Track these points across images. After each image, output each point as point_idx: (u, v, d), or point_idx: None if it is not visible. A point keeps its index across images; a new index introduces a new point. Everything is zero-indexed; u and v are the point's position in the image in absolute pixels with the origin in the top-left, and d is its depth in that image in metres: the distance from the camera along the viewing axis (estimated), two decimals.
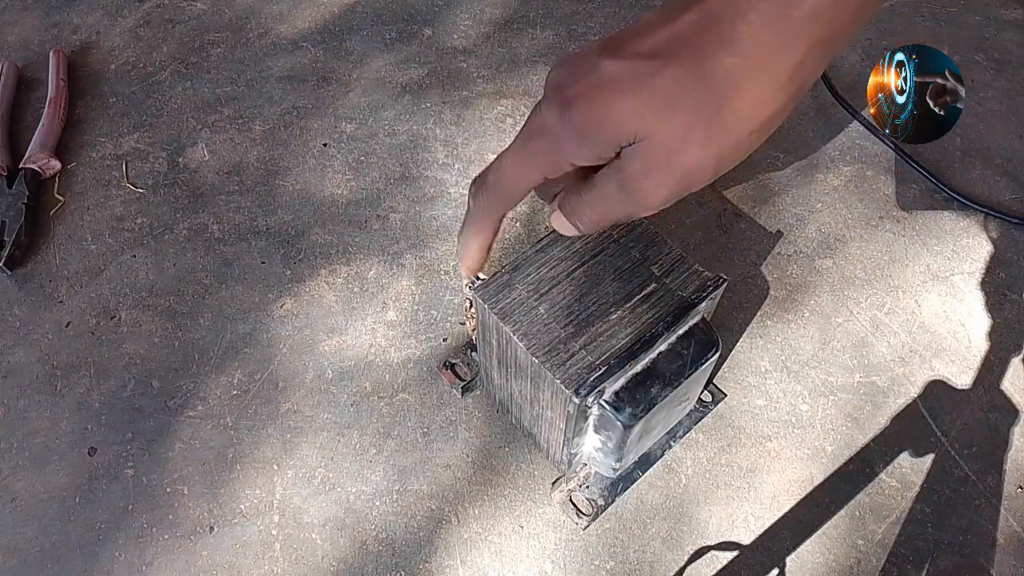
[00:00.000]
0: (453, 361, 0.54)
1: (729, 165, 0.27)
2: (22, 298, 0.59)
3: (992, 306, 0.57)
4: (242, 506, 0.50)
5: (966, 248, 0.60)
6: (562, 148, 0.28)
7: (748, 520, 0.49)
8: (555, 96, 0.27)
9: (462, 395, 0.53)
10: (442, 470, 0.51)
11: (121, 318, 0.57)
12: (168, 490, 0.50)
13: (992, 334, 0.56)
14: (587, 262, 0.41)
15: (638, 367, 0.38)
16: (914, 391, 0.54)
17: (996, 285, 0.58)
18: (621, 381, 0.38)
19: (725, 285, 0.40)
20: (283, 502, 0.50)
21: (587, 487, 0.49)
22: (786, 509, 0.49)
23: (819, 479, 0.50)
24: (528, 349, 0.38)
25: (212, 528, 0.49)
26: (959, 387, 0.54)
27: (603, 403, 0.38)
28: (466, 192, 0.63)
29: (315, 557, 0.48)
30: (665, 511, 0.49)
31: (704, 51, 0.25)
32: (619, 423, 0.38)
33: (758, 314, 0.57)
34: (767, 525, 0.49)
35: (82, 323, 0.57)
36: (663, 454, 0.50)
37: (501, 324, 0.39)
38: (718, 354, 0.40)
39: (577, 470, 0.48)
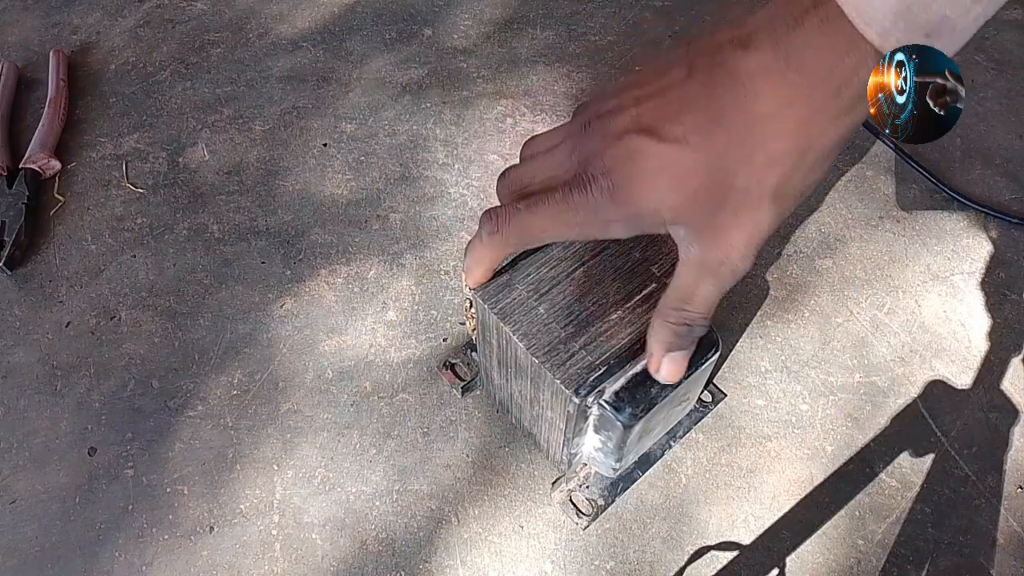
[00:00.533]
0: (453, 361, 0.54)
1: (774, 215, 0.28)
2: (22, 298, 0.59)
3: (992, 306, 0.57)
4: (242, 506, 0.50)
5: (966, 248, 0.60)
6: (608, 228, 0.29)
7: (748, 520, 0.49)
8: (597, 171, 0.28)
9: (462, 395, 0.53)
10: (442, 470, 0.51)
11: (121, 318, 0.57)
12: (168, 490, 0.50)
13: (992, 334, 0.56)
14: (587, 262, 0.41)
15: (638, 367, 0.38)
16: (914, 391, 0.54)
17: (996, 285, 0.58)
18: (621, 381, 0.38)
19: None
20: (283, 502, 0.50)
21: (587, 487, 0.49)
22: (786, 509, 0.49)
23: (819, 479, 0.50)
24: (528, 349, 0.38)
25: (212, 528, 0.49)
26: (959, 387, 0.54)
27: (603, 403, 0.38)
28: (465, 193, 0.63)
29: (315, 557, 0.48)
30: (665, 511, 0.49)
31: (745, 138, 0.25)
32: (619, 423, 0.38)
33: (758, 314, 0.57)
34: (767, 525, 0.49)
35: (82, 323, 0.57)
36: (663, 454, 0.50)
37: (501, 324, 0.38)
38: (718, 354, 0.40)
39: (577, 470, 0.48)
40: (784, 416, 0.53)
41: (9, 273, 0.59)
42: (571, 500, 0.49)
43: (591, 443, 0.43)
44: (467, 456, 0.51)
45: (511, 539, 0.48)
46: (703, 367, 0.40)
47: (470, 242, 0.36)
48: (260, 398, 0.54)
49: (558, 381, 0.37)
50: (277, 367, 0.55)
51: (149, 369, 0.55)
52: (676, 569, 0.47)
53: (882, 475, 0.50)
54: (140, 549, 0.48)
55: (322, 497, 0.50)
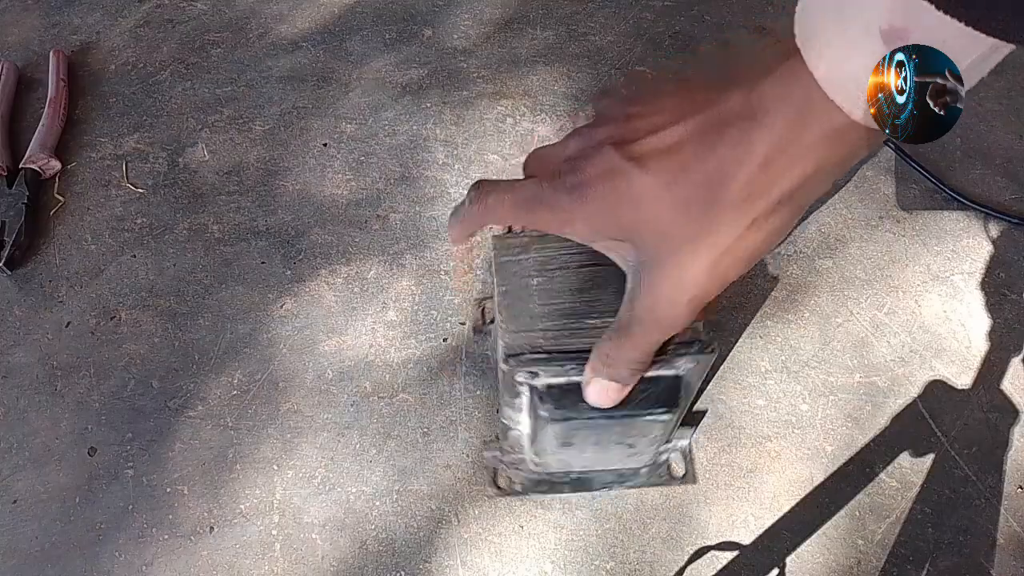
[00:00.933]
0: (485, 299, 0.56)
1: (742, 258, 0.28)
2: (22, 298, 0.59)
3: (992, 306, 0.57)
4: (242, 506, 0.49)
5: (966, 248, 0.60)
6: (573, 229, 0.30)
7: (748, 520, 0.49)
8: (573, 182, 0.29)
9: (474, 335, 0.54)
10: (442, 470, 0.51)
11: (121, 318, 0.57)
12: (168, 490, 0.50)
13: (992, 334, 0.56)
14: (603, 265, 0.40)
15: (578, 378, 0.38)
16: (914, 391, 0.54)
17: (996, 285, 0.58)
18: (560, 379, 0.38)
19: (714, 355, 0.38)
20: (283, 502, 0.50)
21: (516, 469, 0.49)
22: (786, 509, 0.49)
23: (819, 479, 0.50)
24: (499, 303, 0.38)
25: (212, 528, 0.49)
26: (959, 387, 0.54)
27: (531, 385, 0.38)
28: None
29: (315, 557, 0.48)
30: (665, 511, 0.49)
31: (723, 172, 0.26)
32: (538, 413, 0.38)
33: (758, 314, 0.57)
34: (767, 525, 0.49)
35: (82, 323, 0.57)
36: (603, 490, 0.50)
37: (494, 273, 0.39)
38: (669, 416, 0.39)
39: (510, 447, 0.48)
40: (784, 416, 0.53)
41: (9, 273, 0.59)
42: (496, 468, 0.50)
43: (523, 425, 0.43)
44: (467, 456, 0.51)
45: (511, 539, 0.48)
46: (645, 417, 0.38)
47: (458, 204, 0.36)
48: (260, 398, 0.54)
49: (502, 341, 0.37)
50: (277, 367, 0.55)
51: (149, 369, 0.55)
52: (676, 569, 0.47)
53: (882, 475, 0.50)
54: (140, 549, 0.48)
55: (322, 497, 0.50)
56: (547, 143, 0.35)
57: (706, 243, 0.27)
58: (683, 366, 0.37)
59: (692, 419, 0.52)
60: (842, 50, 0.22)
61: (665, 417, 0.39)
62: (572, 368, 0.36)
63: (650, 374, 0.38)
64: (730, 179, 0.26)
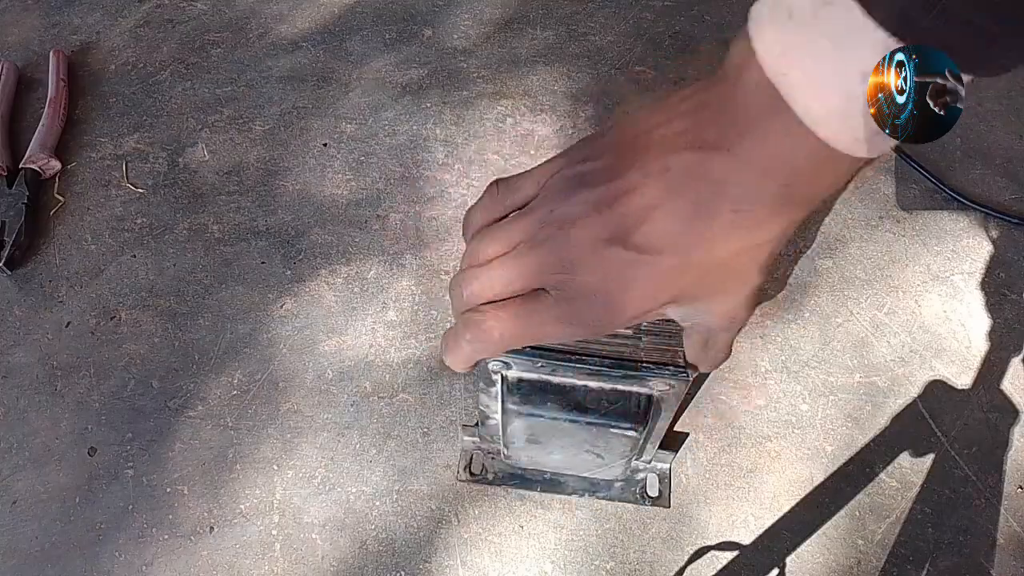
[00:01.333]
0: None
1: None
2: (22, 298, 0.59)
3: (992, 306, 0.57)
4: (242, 506, 0.49)
5: (966, 248, 0.60)
6: (599, 332, 0.29)
7: (748, 520, 0.49)
8: (586, 287, 0.27)
9: None
10: (442, 470, 0.51)
11: (121, 318, 0.57)
12: (168, 490, 0.50)
13: (992, 334, 0.56)
14: None
15: (551, 377, 0.37)
16: (914, 391, 0.54)
17: (996, 285, 0.58)
18: (531, 375, 0.37)
19: (687, 383, 0.37)
20: (283, 502, 0.50)
21: (492, 458, 0.50)
22: (786, 509, 0.49)
23: (819, 479, 0.50)
24: None
25: (212, 528, 0.49)
26: (959, 387, 0.54)
27: (502, 375, 0.38)
28: (466, 193, 0.63)
29: (315, 557, 0.48)
30: (665, 511, 0.49)
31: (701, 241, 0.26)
32: (505, 406, 0.38)
33: (758, 314, 0.57)
34: (767, 525, 0.49)
35: (82, 323, 0.57)
36: (572, 495, 0.50)
37: None
38: (635, 434, 0.39)
39: (488, 436, 0.48)
40: (784, 416, 0.53)
41: (9, 273, 0.59)
42: (473, 454, 0.50)
43: (498, 415, 0.43)
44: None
45: (511, 539, 0.48)
46: (612, 429, 0.38)
47: (449, 331, 0.32)
48: (260, 398, 0.54)
49: None
50: (277, 367, 0.55)
51: (149, 369, 0.55)
52: (676, 569, 0.47)
53: (882, 475, 0.50)
54: (140, 549, 0.48)
55: (322, 497, 0.50)
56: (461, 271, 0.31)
57: (736, 270, 0.27)
58: (655, 387, 0.36)
59: (673, 443, 0.51)
60: (823, 92, 0.22)
61: (631, 433, 0.38)
62: (542, 365, 0.36)
63: (621, 387, 0.38)
64: (749, 242, 0.26)
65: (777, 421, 0.52)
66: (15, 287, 0.59)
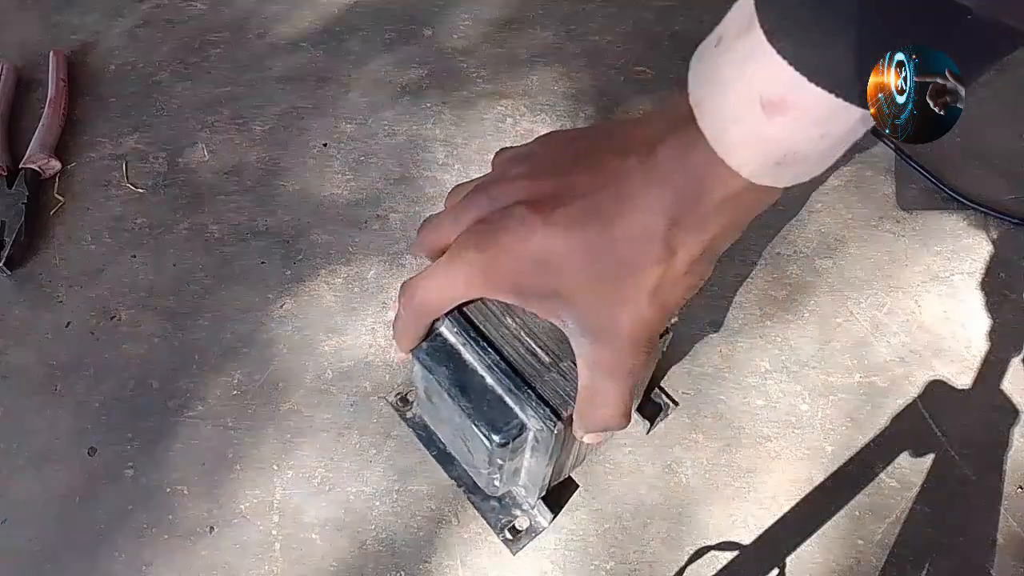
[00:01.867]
0: None
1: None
2: (22, 298, 0.59)
3: (992, 306, 0.57)
4: (242, 506, 0.49)
5: (966, 248, 0.60)
6: (489, 288, 0.30)
7: (748, 520, 0.49)
8: (480, 238, 0.29)
9: None
10: (442, 470, 0.51)
11: (121, 318, 0.57)
12: (168, 490, 0.50)
13: (992, 334, 0.56)
14: None
15: (461, 348, 0.36)
16: (914, 391, 0.54)
17: (996, 285, 0.58)
18: (451, 338, 0.36)
19: (551, 436, 0.35)
20: (283, 502, 0.50)
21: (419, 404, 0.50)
22: (786, 509, 0.49)
23: (819, 479, 0.50)
24: None
25: (212, 528, 0.49)
26: (959, 387, 0.54)
27: (433, 327, 0.37)
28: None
29: (315, 557, 0.48)
30: (665, 511, 0.49)
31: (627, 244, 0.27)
32: (416, 350, 0.37)
33: (758, 314, 0.57)
34: (767, 525, 0.49)
35: (82, 323, 0.57)
36: (453, 481, 0.49)
37: None
38: (490, 445, 0.36)
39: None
40: (784, 416, 0.53)
41: (9, 273, 0.59)
42: (411, 390, 0.51)
43: None
44: None
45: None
46: (473, 427, 0.36)
47: (395, 318, 0.36)
48: (260, 398, 0.54)
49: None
50: (277, 367, 0.55)
51: (149, 369, 0.55)
52: (676, 569, 0.47)
53: (882, 475, 0.50)
54: (140, 549, 0.48)
55: (322, 497, 0.50)
56: (467, 183, 0.35)
57: (633, 282, 0.28)
58: (530, 418, 0.35)
59: (555, 501, 0.49)
60: (727, 119, 0.23)
61: (487, 443, 0.36)
62: (458, 332, 0.36)
63: (503, 395, 0.36)
64: (640, 252, 0.27)
65: (777, 421, 0.52)
66: (15, 287, 0.59)
